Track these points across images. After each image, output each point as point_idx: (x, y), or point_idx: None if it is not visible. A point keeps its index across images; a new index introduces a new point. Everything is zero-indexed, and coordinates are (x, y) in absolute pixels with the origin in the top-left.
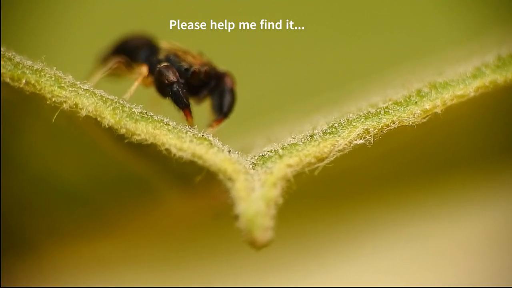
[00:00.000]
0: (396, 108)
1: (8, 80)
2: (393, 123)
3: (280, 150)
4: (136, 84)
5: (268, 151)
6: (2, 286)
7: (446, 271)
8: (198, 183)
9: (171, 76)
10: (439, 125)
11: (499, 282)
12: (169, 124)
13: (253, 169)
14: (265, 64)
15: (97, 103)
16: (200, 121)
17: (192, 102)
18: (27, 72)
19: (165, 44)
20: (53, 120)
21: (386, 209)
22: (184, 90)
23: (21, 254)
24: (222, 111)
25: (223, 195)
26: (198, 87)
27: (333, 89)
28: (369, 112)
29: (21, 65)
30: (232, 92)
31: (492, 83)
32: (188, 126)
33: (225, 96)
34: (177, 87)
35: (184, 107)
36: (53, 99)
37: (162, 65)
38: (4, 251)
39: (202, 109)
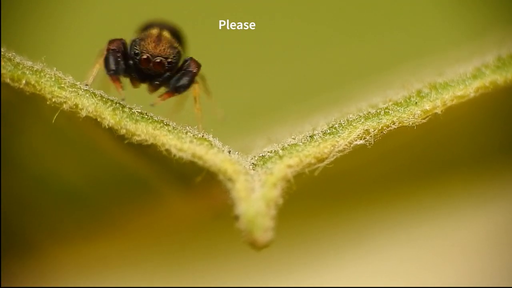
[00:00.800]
0: (396, 108)
1: (8, 80)
2: (393, 124)
3: (280, 151)
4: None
5: (268, 152)
6: (2, 286)
7: (446, 272)
8: (198, 183)
9: (109, 45)
10: (439, 126)
11: (499, 282)
12: (169, 125)
13: (253, 169)
14: (265, 64)
15: (97, 103)
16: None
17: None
18: (27, 72)
19: (152, 31)
20: (53, 121)
21: (386, 209)
22: (118, 60)
23: (21, 254)
24: (174, 86)
25: (223, 195)
26: (151, 75)
27: (333, 89)
28: (369, 112)
29: (21, 66)
30: (190, 73)
31: (492, 83)
32: (122, 100)
33: (182, 75)
34: (111, 54)
35: (110, 73)
36: (53, 100)
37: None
38: (4, 251)
39: (203, 109)
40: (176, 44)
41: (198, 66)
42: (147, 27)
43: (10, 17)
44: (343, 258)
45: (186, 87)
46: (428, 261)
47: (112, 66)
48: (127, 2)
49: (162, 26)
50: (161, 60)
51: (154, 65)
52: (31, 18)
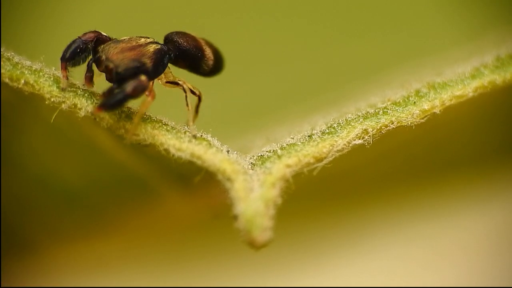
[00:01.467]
0: (394, 108)
1: (7, 80)
2: (392, 124)
3: (279, 150)
4: None
5: (267, 151)
6: (2, 286)
7: (445, 271)
8: (197, 183)
9: (81, 35)
10: (438, 126)
11: (499, 282)
12: (167, 125)
13: (252, 169)
14: (264, 64)
15: (95, 103)
16: (200, 121)
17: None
18: (26, 72)
19: (138, 40)
20: (51, 120)
21: (385, 209)
22: (77, 50)
23: (21, 254)
24: (102, 102)
25: (222, 195)
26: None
27: (332, 89)
28: (368, 112)
29: (20, 65)
30: (122, 94)
31: (491, 83)
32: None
33: (116, 94)
34: (73, 43)
35: (61, 58)
36: (52, 99)
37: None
38: (4, 251)
39: (200, 109)
40: (145, 60)
41: (136, 90)
42: (166, 38)
43: (10, 17)
44: (342, 257)
45: (112, 106)
46: (427, 261)
47: (66, 54)
48: (127, 2)
49: (172, 39)
50: (111, 67)
51: (104, 69)
52: (31, 18)
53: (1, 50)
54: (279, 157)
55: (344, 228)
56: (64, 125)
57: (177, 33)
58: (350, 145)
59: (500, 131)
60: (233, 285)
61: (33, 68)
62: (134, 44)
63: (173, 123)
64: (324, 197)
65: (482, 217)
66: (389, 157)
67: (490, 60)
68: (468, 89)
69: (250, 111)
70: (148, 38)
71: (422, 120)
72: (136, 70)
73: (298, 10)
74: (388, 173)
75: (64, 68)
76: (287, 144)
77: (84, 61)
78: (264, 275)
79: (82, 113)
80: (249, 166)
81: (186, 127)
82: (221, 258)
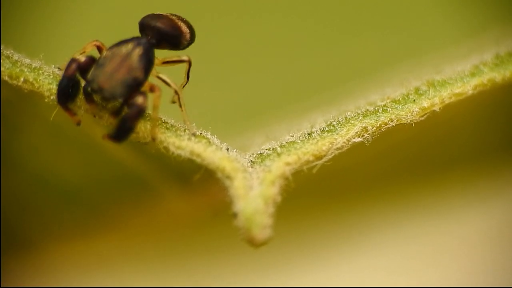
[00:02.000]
0: (394, 106)
1: (6, 78)
2: (391, 121)
3: (279, 148)
4: None
5: (266, 149)
6: (2, 286)
7: (446, 269)
8: (197, 181)
9: (64, 72)
10: (438, 123)
11: (500, 279)
12: (167, 123)
13: (252, 167)
14: (263, 63)
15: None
16: (199, 120)
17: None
18: (26, 70)
19: (120, 50)
20: (51, 118)
21: (385, 206)
22: (69, 90)
23: (21, 253)
24: (111, 135)
25: (221, 193)
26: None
27: (332, 87)
28: (367, 110)
29: (19, 63)
30: (128, 122)
31: (490, 81)
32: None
33: (122, 123)
34: (64, 81)
35: (58, 102)
36: (51, 97)
37: (74, 56)
38: (4, 250)
39: (200, 107)
40: (136, 74)
41: (140, 110)
42: (142, 25)
43: (10, 15)
44: (342, 255)
45: (124, 137)
46: (428, 258)
47: (60, 97)
48: (127, 2)
49: (149, 25)
50: (109, 97)
51: (103, 101)
52: (31, 16)
53: (1, 48)
54: (279, 155)
55: (344, 226)
56: (64, 123)
57: (151, 16)
58: (350, 143)
59: (499, 129)
60: (233, 283)
61: (33, 66)
62: (118, 60)
63: (172, 121)
64: (323, 195)
65: (483, 214)
66: (389, 155)
67: (489, 58)
68: (467, 87)
69: (250, 109)
70: (128, 41)
71: (422, 118)
72: (133, 88)
73: (297, 9)
74: (388, 170)
75: (66, 108)
76: (286, 142)
77: (78, 91)
78: (263, 273)
79: (81, 111)
80: (249, 164)
81: (185, 125)
82: (221, 256)
